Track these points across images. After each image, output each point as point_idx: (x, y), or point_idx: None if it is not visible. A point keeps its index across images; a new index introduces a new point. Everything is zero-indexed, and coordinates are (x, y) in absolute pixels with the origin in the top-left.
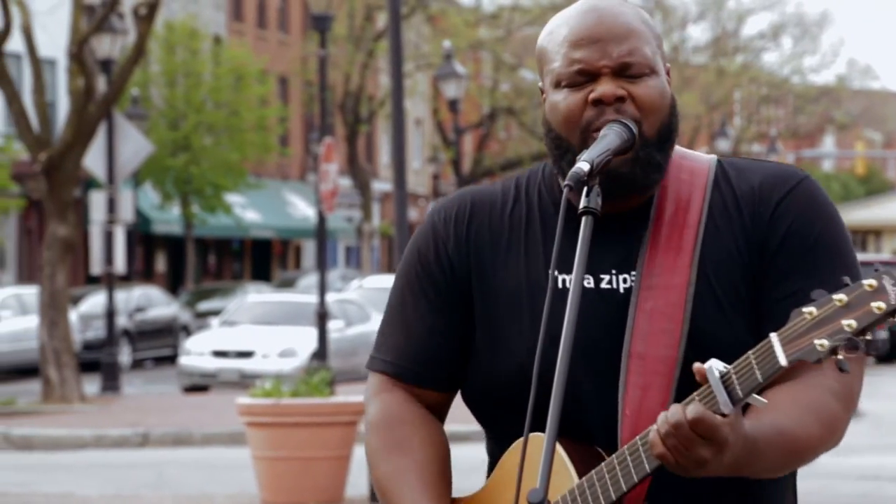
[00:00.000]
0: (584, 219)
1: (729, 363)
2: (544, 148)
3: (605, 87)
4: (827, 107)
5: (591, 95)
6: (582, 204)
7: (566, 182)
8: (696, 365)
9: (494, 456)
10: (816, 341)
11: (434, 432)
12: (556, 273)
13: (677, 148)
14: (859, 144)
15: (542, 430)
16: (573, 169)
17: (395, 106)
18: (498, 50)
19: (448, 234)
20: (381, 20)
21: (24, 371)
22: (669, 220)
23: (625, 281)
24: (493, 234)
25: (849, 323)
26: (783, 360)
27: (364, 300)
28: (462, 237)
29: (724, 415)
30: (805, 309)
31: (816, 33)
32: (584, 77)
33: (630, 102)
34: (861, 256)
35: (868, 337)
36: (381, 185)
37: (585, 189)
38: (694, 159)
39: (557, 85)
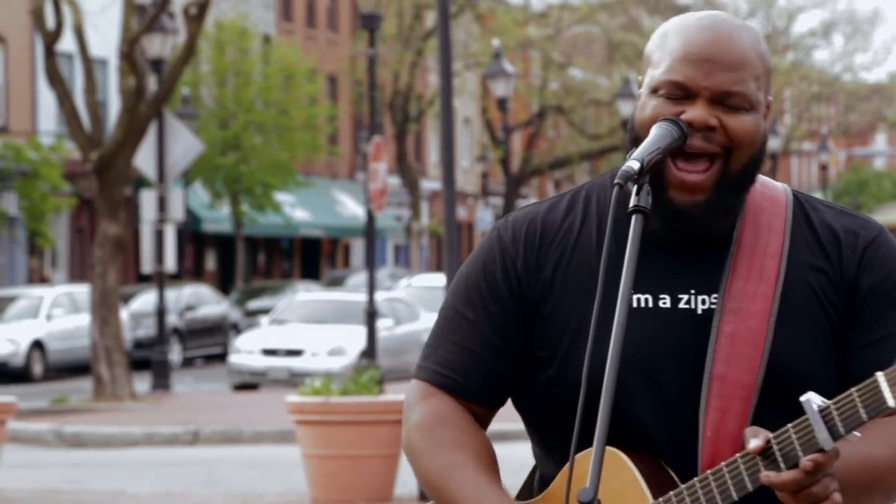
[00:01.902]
0: (633, 217)
1: (803, 392)
2: (593, 146)
3: (699, 112)
4: (879, 105)
5: (683, 116)
6: (632, 203)
7: (616, 180)
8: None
9: (543, 464)
10: None
11: (482, 436)
12: (631, 293)
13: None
14: None
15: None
16: (623, 167)
17: (443, 105)
18: (547, 48)
19: (517, 253)
20: (430, 19)
21: (75, 369)
22: (751, 247)
23: (703, 302)
24: (564, 253)
25: None
26: (891, 402)
27: (413, 299)
28: (532, 258)
29: (822, 450)
30: None
31: (868, 31)
32: (681, 92)
33: (721, 132)
34: None
35: None
36: (430, 183)
37: (636, 188)
38: (770, 187)
39: (654, 91)
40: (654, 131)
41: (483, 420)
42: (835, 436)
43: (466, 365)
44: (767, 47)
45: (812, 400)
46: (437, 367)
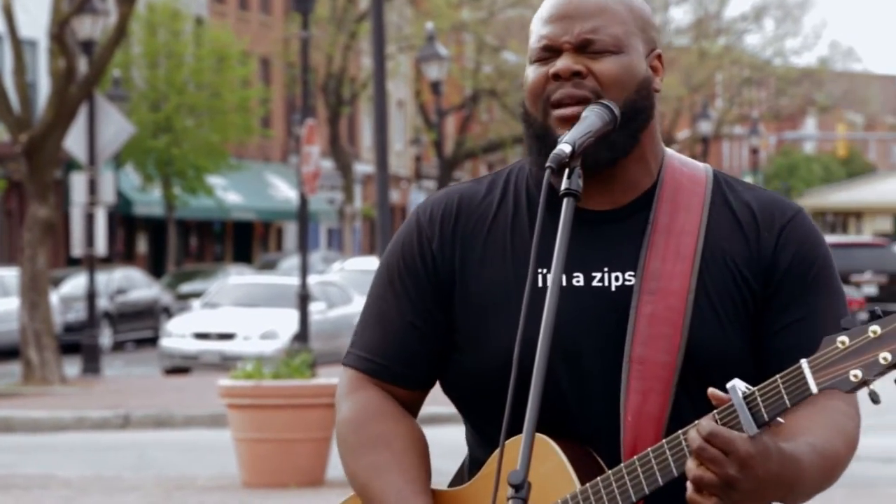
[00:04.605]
0: (565, 201)
1: (725, 372)
2: None
3: (562, 62)
4: (809, 89)
5: (551, 70)
6: (563, 186)
7: (547, 164)
8: (712, 391)
9: (472, 446)
10: (851, 372)
11: (410, 427)
12: (542, 270)
13: (675, 154)
14: (841, 127)
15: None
16: (555, 150)
17: (377, 88)
18: (480, 32)
19: (433, 232)
20: (364, 1)
21: (4, 353)
22: (668, 225)
23: (617, 279)
24: (480, 231)
25: (885, 356)
26: (814, 388)
27: (346, 282)
28: (448, 236)
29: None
30: (839, 338)
31: (798, 15)
32: (548, 53)
33: (591, 78)
34: (842, 238)
35: None
36: (363, 166)
37: (567, 171)
38: (691, 167)
39: (531, 61)
40: (586, 114)
41: (412, 404)
42: (759, 422)
43: (388, 347)
44: (641, 3)
45: (737, 386)
46: (361, 352)
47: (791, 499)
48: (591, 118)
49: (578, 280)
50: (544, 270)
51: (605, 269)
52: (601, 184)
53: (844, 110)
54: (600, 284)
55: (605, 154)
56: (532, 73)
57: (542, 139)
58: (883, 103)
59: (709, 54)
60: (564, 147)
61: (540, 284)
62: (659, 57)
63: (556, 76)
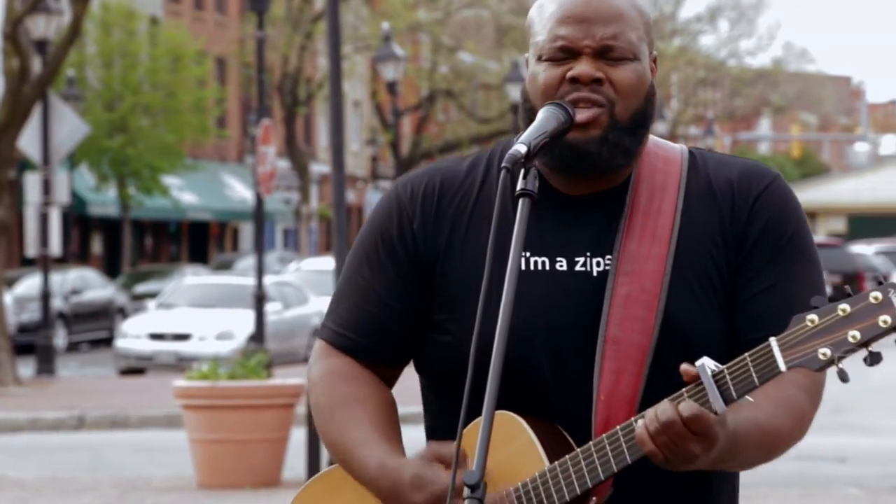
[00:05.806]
0: (520, 201)
1: (700, 353)
2: (483, 130)
3: (583, 67)
4: (763, 90)
5: (569, 73)
6: (519, 186)
7: (503, 164)
8: (684, 366)
9: (434, 430)
10: (820, 350)
11: (381, 389)
12: (526, 254)
13: (651, 137)
14: (795, 127)
15: (500, 409)
16: (510, 151)
17: (333, 88)
18: (436, 32)
19: (414, 210)
20: (319, 1)
21: None
22: (645, 207)
23: (598, 264)
24: (462, 214)
25: (853, 334)
26: (783, 366)
27: (302, 282)
28: (430, 216)
29: (715, 413)
30: (808, 316)
31: (753, 16)
32: (565, 54)
33: (608, 85)
34: None
35: (871, 349)
36: (320, 167)
37: (522, 171)
38: (666, 148)
39: (539, 58)
40: (541, 115)
41: (387, 378)
42: (727, 400)
43: (363, 324)
44: (647, 5)
45: (706, 365)
46: (335, 327)
47: (720, 468)
48: (546, 118)
49: (561, 265)
50: (527, 254)
51: (588, 254)
52: (586, 175)
53: (798, 111)
54: (583, 269)
55: (621, 160)
56: (544, 71)
57: (550, 142)
58: (836, 104)
59: (664, 55)
60: (520, 147)
61: (523, 268)
62: (654, 59)
63: (575, 80)
